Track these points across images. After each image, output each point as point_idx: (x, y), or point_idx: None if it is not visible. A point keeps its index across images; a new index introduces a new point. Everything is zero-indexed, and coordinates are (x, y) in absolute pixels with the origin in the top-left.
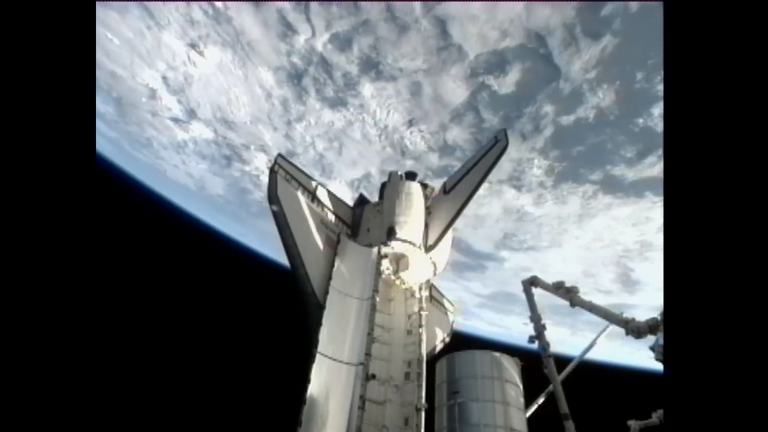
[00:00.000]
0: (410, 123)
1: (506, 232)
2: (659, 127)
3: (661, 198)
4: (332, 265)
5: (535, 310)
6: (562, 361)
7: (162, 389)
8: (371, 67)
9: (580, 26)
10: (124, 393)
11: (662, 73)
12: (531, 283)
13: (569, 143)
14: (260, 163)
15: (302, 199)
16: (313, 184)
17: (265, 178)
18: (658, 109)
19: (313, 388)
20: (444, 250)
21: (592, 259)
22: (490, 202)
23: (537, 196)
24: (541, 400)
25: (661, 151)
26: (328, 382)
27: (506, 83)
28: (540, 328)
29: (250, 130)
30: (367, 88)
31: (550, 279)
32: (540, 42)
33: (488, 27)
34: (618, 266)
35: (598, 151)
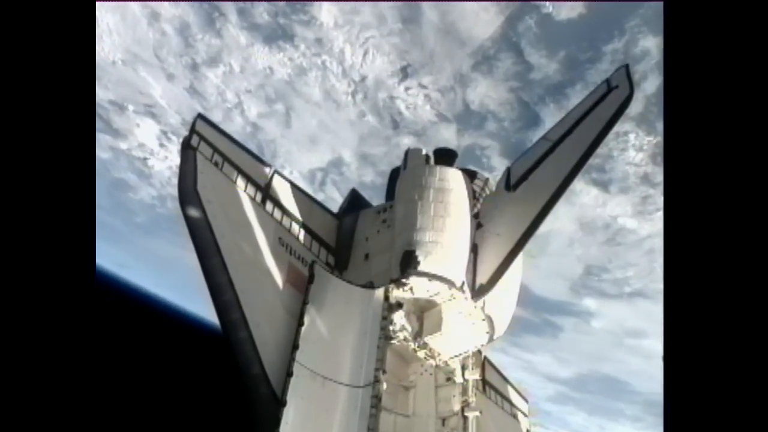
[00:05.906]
0: (404, 73)
1: (588, 263)
2: None
3: None
4: (300, 322)
5: None
6: None
7: None
8: None
9: None
10: None
11: None
12: None
13: None
14: (147, 136)
15: (245, 197)
16: (266, 171)
17: (156, 162)
18: None
19: None
20: (507, 296)
21: None
22: (556, 209)
23: (640, 199)
24: None
25: None
26: None
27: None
28: None
29: (123, 77)
30: (326, 11)
31: None
32: None
33: None
34: None
35: None
